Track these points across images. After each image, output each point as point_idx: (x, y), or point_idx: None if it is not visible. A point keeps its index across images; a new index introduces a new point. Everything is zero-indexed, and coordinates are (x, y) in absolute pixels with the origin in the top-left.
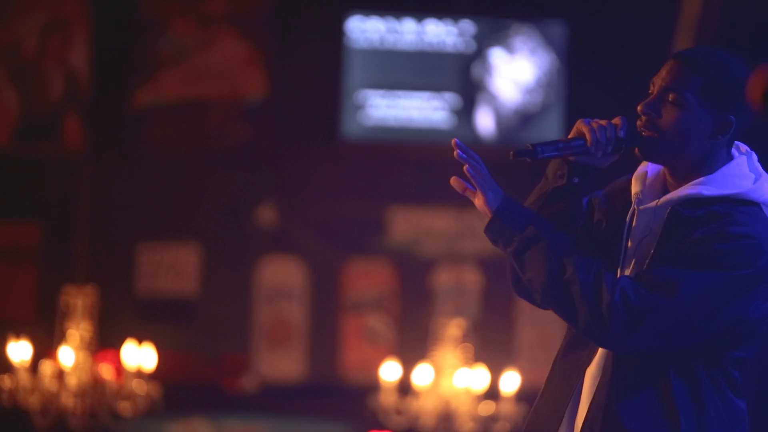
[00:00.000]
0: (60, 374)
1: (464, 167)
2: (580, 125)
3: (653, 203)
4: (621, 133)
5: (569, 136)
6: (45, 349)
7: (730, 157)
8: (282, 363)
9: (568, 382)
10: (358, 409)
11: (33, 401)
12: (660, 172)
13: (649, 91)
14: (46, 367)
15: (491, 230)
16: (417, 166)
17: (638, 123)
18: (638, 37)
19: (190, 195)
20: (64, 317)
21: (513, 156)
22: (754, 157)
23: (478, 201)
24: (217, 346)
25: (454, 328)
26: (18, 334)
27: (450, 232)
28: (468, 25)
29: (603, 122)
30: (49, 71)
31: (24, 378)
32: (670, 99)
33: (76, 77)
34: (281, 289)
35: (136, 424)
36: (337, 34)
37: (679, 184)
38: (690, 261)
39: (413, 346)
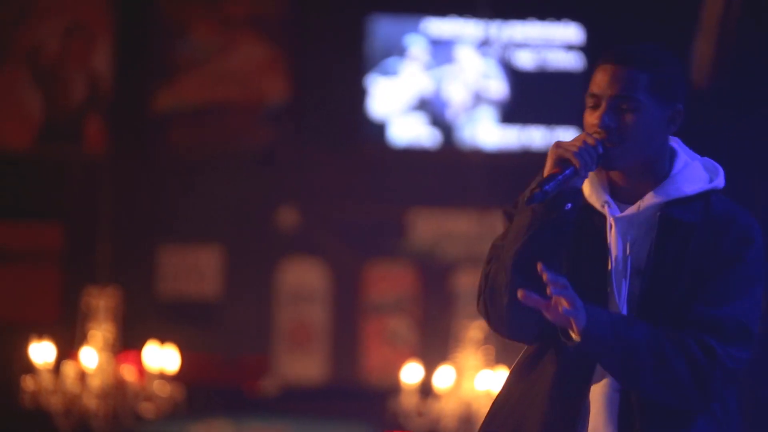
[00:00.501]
0: (82, 375)
1: (555, 298)
2: (559, 151)
3: (632, 209)
4: (600, 149)
5: (549, 164)
6: (67, 350)
7: (671, 147)
8: (303, 365)
9: (571, 407)
10: (379, 412)
11: (55, 402)
12: (602, 175)
13: (592, 104)
14: (69, 369)
15: (582, 349)
16: (438, 168)
17: (596, 137)
18: (658, 40)
19: (211, 197)
20: (86, 318)
21: (527, 202)
22: (678, 140)
23: (556, 318)
24: (238, 348)
25: (475, 330)
26: (41, 336)
27: (471, 234)
28: (490, 27)
29: (579, 143)
30: (71, 74)
31: (47, 379)
32: (623, 106)
33: (98, 80)
34: (303, 291)
35: (158, 425)
36: (358, 36)
37: (637, 184)
38: (741, 284)
39: (434, 349)
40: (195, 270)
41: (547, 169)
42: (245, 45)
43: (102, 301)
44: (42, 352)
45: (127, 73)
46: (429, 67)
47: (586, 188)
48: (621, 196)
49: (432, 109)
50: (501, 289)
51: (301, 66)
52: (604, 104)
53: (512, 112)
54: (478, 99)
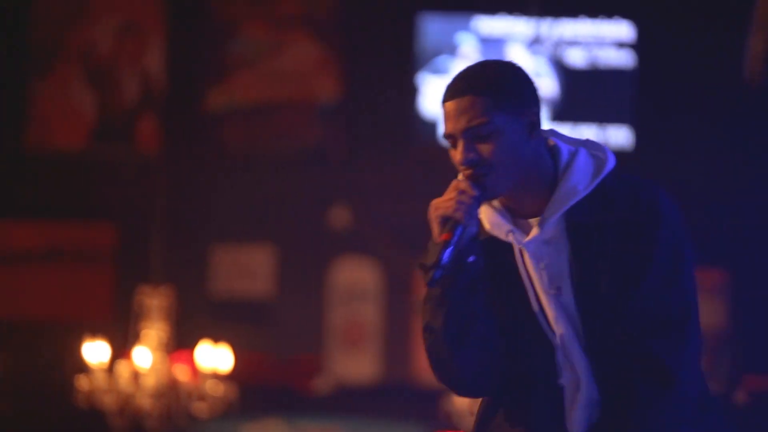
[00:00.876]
0: (136, 375)
1: None
2: (439, 213)
3: (536, 232)
4: (477, 192)
5: (435, 229)
6: (120, 349)
7: (546, 144)
8: (356, 364)
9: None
10: (431, 411)
11: (109, 402)
12: (494, 203)
13: (451, 145)
14: (123, 368)
15: None
16: None
17: (466, 174)
18: (710, 38)
19: (264, 196)
20: (139, 318)
21: (431, 284)
22: (553, 130)
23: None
24: (291, 347)
25: None
26: (94, 335)
27: None
28: (541, 25)
29: (453, 196)
30: (124, 74)
31: (100, 379)
32: (479, 134)
33: (150, 79)
34: (355, 290)
35: (211, 425)
36: (408, 34)
37: (528, 198)
38: (669, 268)
39: None
40: (247, 269)
41: (436, 235)
42: (296, 44)
43: (155, 301)
44: (96, 351)
45: (179, 72)
46: None
47: (485, 221)
48: (520, 213)
49: None
50: (448, 362)
51: (352, 65)
52: (460, 140)
53: (563, 111)
54: None
